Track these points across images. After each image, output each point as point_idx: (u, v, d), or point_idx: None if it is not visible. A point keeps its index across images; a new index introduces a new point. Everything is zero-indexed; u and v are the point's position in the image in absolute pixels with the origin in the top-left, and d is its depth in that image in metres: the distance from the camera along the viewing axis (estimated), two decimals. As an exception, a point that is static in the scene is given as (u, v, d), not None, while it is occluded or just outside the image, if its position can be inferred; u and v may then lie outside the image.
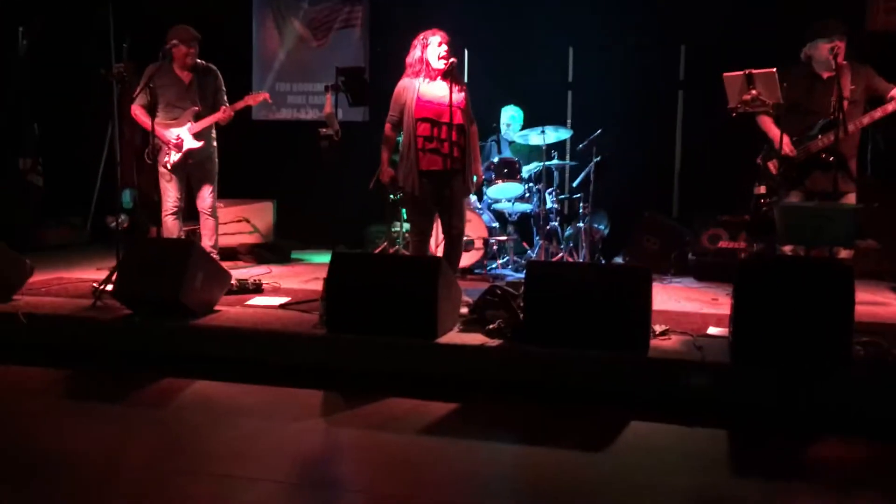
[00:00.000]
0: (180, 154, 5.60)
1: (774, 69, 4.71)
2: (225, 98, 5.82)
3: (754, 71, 4.72)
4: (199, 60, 5.70)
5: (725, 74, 4.85)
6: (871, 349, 3.69)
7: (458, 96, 4.81)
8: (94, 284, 4.94)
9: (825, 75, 4.88)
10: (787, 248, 4.90)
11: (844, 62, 4.91)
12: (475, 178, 5.07)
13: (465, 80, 7.59)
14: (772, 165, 5.07)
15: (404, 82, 4.93)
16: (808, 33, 4.99)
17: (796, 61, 5.12)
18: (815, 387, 3.49)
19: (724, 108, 4.91)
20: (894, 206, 5.55)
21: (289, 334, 4.24)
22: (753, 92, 4.72)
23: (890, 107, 4.77)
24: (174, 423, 3.50)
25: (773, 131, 5.01)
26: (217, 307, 4.68)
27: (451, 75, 4.80)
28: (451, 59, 4.81)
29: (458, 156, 4.82)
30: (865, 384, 3.49)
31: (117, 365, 4.26)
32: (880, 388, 3.47)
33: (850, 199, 4.94)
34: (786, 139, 4.92)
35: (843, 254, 4.76)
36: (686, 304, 5.24)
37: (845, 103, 4.76)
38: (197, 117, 5.64)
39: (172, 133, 5.58)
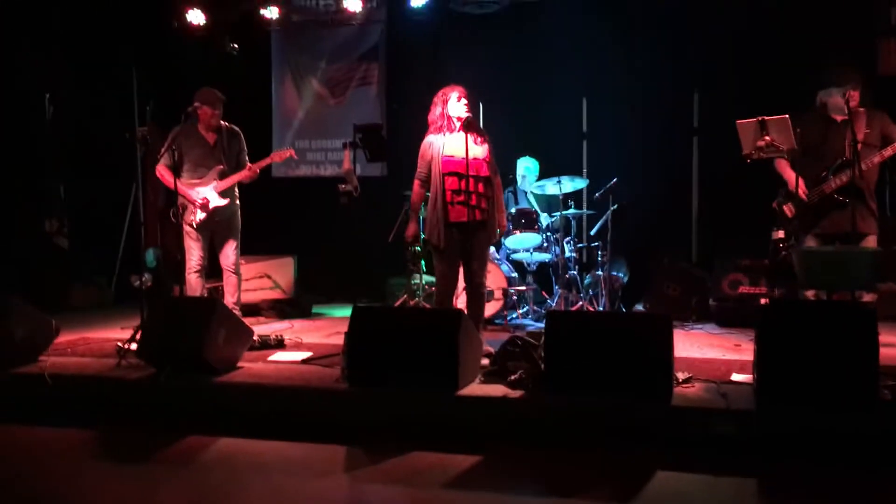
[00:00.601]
0: (206, 213, 5.70)
1: (787, 115, 4.75)
2: (247, 159, 5.95)
3: (767, 118, 4.77)
4: (222, 122, 5.84)
5: (739, 122, 4.90)
6: (898, 392, 3.64)
7: (482, 149, 4.93)
8: (119, 343, 4.99)
9: (839, 119, 4.92)
10: (810, 293, 4.88)
11: (861, 108, 4.95)
12: (499, 229, 5.13)
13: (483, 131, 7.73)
14: (787, 209, 5.08)
15: (429, 139, 5.02)
16: (822, 80, 5.04)
17: (809, 107, 5.16)
18: (842, 431, 3.45)
19: (739, 154, 4.95)
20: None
21: (311, 389, 4.25)
22: (767, 138, 4.76)
23: None
24: (198, 481, 3.50)
25: (790, 173, 5.04)
26: (240, 363, 4.70)
27: (473, 128, 4.91)
28: (467, 114, 4.90)
29: (485, 207, 4.92)
30: (893, 427, 3.43)
31: (142, 423, 4.27)
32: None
33: (871, 241, 4.92)
34: (800, 182, 4.94)
35: (867, 297, 4.73)
36: (708, 351, 5.21)
37: (859, 145, 4.78)
38: (222, 176, 5.76)
39: (199, 193, 5.69)
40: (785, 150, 4.81)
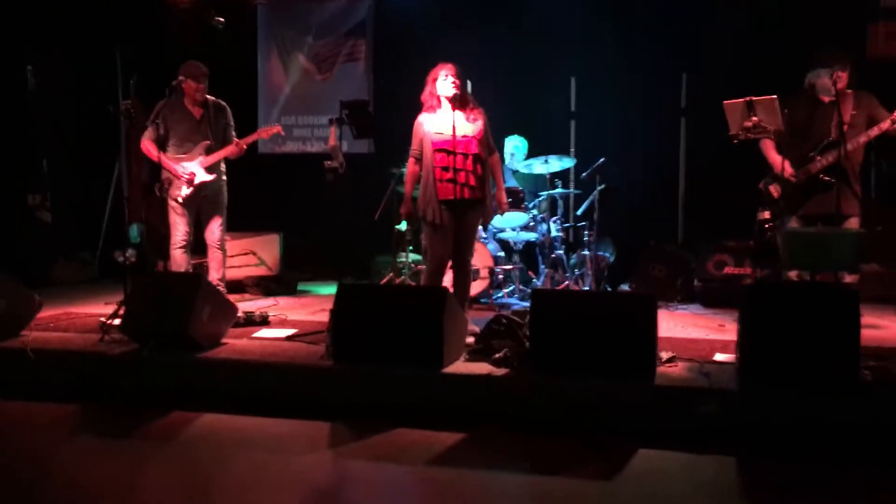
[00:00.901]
0: (192, 188, 5.65)
1: (775, 96, 4.75)
2: (234, 134, 5.90)
3: (755, 98, 4.77)
4: (209, 96, 5.79)
5: (726, 102, 4.90)
6: (879, 373, 3.68)
7: (473, 126, 4.89)
8: (102, 319, 4.96)
9: (826, 100, 4.92)
10: (793, 274, 4.90)
11: (849, 90, 4.95)
12: (499, 205, 5.09)
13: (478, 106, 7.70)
14: (773, 190, 5.10)
15: (422, 117, 4.99)
16: (811, 62, 5.04)
17: (797, 88, 5.16)
18: (822, 411, 3.48)
19: (726, 135, 4.95)
20: (897, 229, 5.57)
21: (296, 366, 4.25)
22: (754, 119, 4.76)
23: (885, 125, 4.80)
24: (182, 457, 3.50)
25: (774, 156, 5.05)
26: (224, 340, 4.70)
27: (461, 104, 4.87)
28: (455, 92, 4.85)
29: (475, 185, 4.86)
30: (873, 408, 3.47)
31: (125, 399, 4.26)
32: (888, 411, 3.46)
33: (854, 222, 4.95)
34: (787, 163, 4.95)
35: (849, 278, 4.76)
36: (692, 331, 5.24)
37: (845, 126, 4.79)
38: (208, 151, 5.71)
39: (185, 168, 5.64)
40: (772, 131, 4.81)
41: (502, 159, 6.93)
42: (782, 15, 6.77)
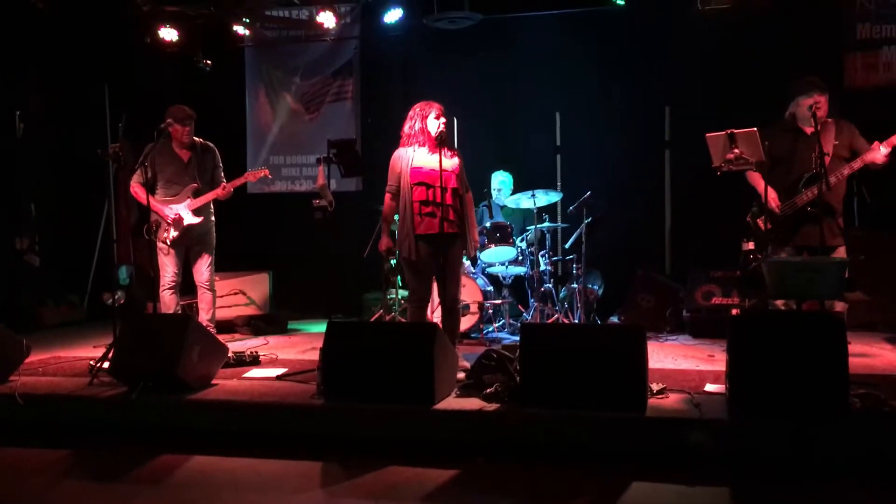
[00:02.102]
0: (179, 230, 5.67)
1: (756, 129, 4.83)
2: (222, 175, 5.94)
3: (736, 131, 4.85)
4: (196, 138, 5.83)
5: (708, 135, 4.97)
6: (868, 400, 3.69)
7: (453, 162, 4.94)
8: (91, 362, 4.94)
9: (808, 131, 4.98)
10: (780, 303, 4.94)
11: (829, 119, 5.03)
12: (473, 243, 5.13)
13: (455, 146, 7.75)
14: (760, 222, 5.15)
15: (399, 152, 5.03)
16: (790, 91, 5.12)
17: (777, 119, 5.24)
18: (813, 439, 3.49)
19: (710, 167, 5.02)
20: (882, 257, 5.62)
21: (286, 406, 4.23)
22: (736, 151, 4.83)
23: (868, 156, 4.87)
24: (173, 500, 3.46)
25: (761, 187, 5.10)
26: (214, 381, 4.67)
27: (446, 144, 4.93)
28: (441, 129, 4.92)
29: (454, 219, 4.90)
30: (863, 435, 3.49)
31: (115, 442, 4.23)
32: (878, 439, 3.47)
33: (840, 252, 5.00)
34: (773, 194, 5.01)
35: (838, 307, 4.80)
36: (682, 362, 5.25)
37: (827, 158, 4.86)
38: (196, 194, 5.74)
39: (171, 210, 5.67)
40: (753, 163, 4.88)
41: (489, 195, 7.03)
42: (761, 47, 6.89)
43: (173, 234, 5.66)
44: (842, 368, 3.56)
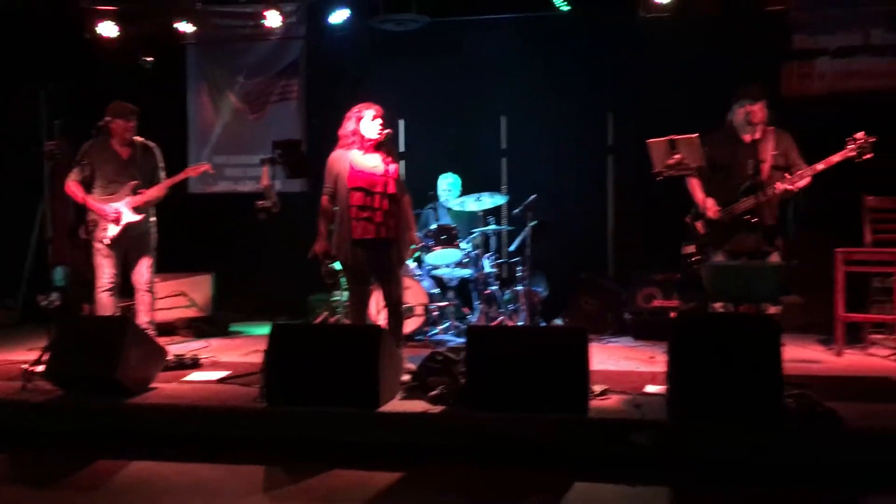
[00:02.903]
0: (119, 229, 5.55)
1: (696, 135, 4.93)
2: (163, 175, 5.82)
3: (676, 137, 4.94)
4: (137, 137, 5.71)
5: (649, 141, 5.06)
6: (802, 401, 3.80)
7: (392, 167, 4.90)
8: (25, 366, 4.79)
9: (747, 139, 5.09)
10: (718, 306, 5.05)
11: (770, 127, 5.16)
12: (412, 245, 5.13)
13: (402, 149, 7.76)
14: (699, 225, 5.26)
15: (337, 153, 4.97)
16: (730, 100, 5.24)
17: (718, 126, 5.36)
18: (749, 439, 3.58)
19: (652, 172, 5.11)
20: (816, 262, 5.80)
21: (228, 409, 4.17)
22: (677, 156, 4.93)
23: (801, 183, 4.99)
24: (109, 507, 3.40)
25: (699, 194, 5.21)
26: (153, 384, 4.58)
27: (384, 147, 4.90)
28: (387, 131, 4.91)
29: (392, 225, 4.86)
30: (796, 434, 3.59)
31: (50, 448, 4.11)
32: (811, 439, 3.58)
33: (775, 257, 5.13)
34: (711, 202, 5.12)
35: (773, 309, 4.93)
36: (624, 364, 5.34)
37: (767, 167, 5.00)
38: (136, 192, 5.62)
39: (111, 207, 5.54)
40: (694, 168, 4.99)
41: (435, 197, 7.04)
42: (703, 55, 7.03)
43: (112, 232, 5.53)
44: (777, 370, 3.66)
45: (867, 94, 6.93)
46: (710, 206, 5.13)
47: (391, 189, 4.86)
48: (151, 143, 5.82)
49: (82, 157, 5.37)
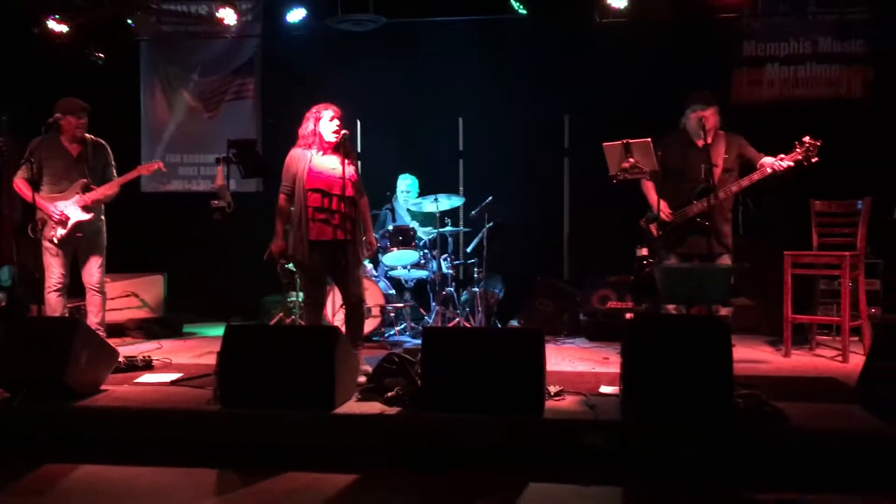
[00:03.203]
0: (66, 228, 5.42)
1: (650, 139, 5.01)
2: (114, 172, 5.72)
3: (631, 141, 5.01)
4: (87, 134, 5.60)
5: (605, 144, 5.13)
6: (750, 400, 3.87)
7: (350, 169, 4.89)
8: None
9: (699, 143, 5.19)
10: (671, 307, 5.13)
11: (720, 131, 5.27)
12: (370, 245, 5.13)
13: (359, 149, 7.74)
14: (653, 228, 5.34)
15: (296, 152, 4.96)
16: (683, 105, 5.34)
17: (671, 130, 5.45)
18: (699, 439, 3.64)
19: (606, 175, 5.17)
20: (765, 265, 5.92)
21: (180, 411, 4.11)
22: (631, 160, 5.00)
23: (756, 175, 5.14)
24: (57, 512, 3.32)
25: (653, 197, 5.30)
26: (104, 386, 4.49)
27: (342, 148, 4.89)
28: (343, 132, 4.89)
29: (349, 227, 4.85)
30: (745, 434, 3.66)
31: (-6, 452, 4.02)
32: (759, 437, 3.65)
33: (726, 259, 5.24)
34: (664, 205, 5.21)
35: (724, 311, 5.03)
36: (579, 365, 5.39)
37: (719, 171, 5.10)
38: (85, 189, 5.50)
39: (58, 206, 5.41)
40: (647, 172, 5.07)
41: (392, 198, 7.04)
42: (657, 60, 7.14)
43: (60, 232, 5.41)
44: (727, 370, 3.73)
45: (814, 102, 7.11)
46: (664, 209, 5.21)
47: (349, 192, 4.85)
48: (102, 141, 5.71)
49: (30, 154, 5.25)
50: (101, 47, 7.57)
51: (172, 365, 5.31)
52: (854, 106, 7.06)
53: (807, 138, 5.04)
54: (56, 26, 7.29)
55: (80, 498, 3.46)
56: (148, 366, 5.16)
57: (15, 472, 3.71)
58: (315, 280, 4.96)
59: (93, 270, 5.63)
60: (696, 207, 5.17)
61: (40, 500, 3.45)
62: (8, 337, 4.48)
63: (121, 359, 4.88)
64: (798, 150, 5.04)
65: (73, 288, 5.72)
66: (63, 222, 5.40)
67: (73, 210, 5.44)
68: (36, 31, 7.32)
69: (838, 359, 5.49)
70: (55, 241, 5.43)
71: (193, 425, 4.06)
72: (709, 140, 5.03)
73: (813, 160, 5.02)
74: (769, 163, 5.10)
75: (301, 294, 6.40)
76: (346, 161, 4.88)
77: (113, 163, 5.74)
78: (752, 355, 5.67)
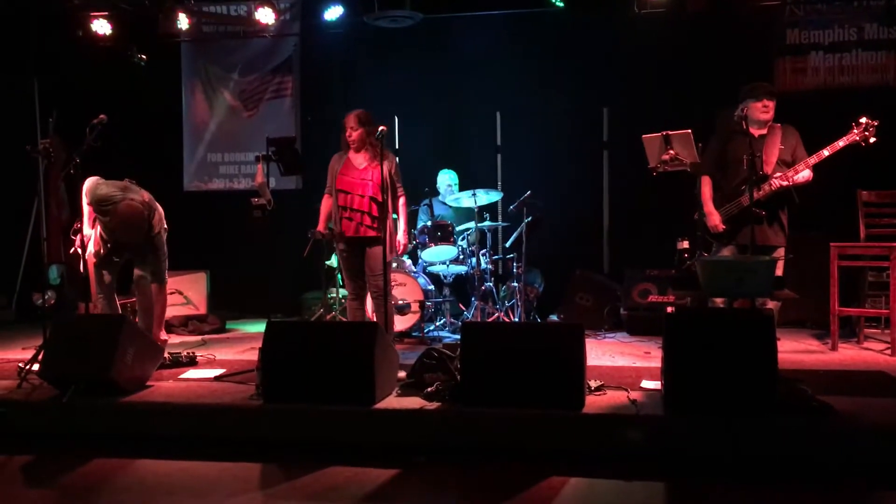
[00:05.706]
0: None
1: (689, 130, 4.94)
2: None
3: (671, 132, 4.95)
4: None
5: (644, 136, 5.07)
6: (796, 395, 3.81)
7: (374, 170, 5.21)
8: (20, 364, 4.78)
9: (756, 134, 5.10)
10: (720, 301, 5.05)
11: (777, 124, 5.17)
12: (399, 244, 5.40)
13: (396, 145, 7.76)
14: (714, 219, 5.24)
15: (336, 156, 5.41)
16: (740, 94, 5.22)
17: (711, 120, 5.36)
18: (744, 433, 3.59)
19: (646, 167, 5.11)
20: (811, 257, 5.80)
21: (224, 407, 4.17)
22: (671, 152, 4.94)
23: (800, 178, 5.02)
24: (106, 506, 3.39)
25: (707, 197, 5.21)
26: (149, 382, 4.58)
27: (371, 148, 5.24)
28: (381, 128, 4.93)
29: (371, 224, 5.22)
30: (790, 428, 3.60)
31: (45, 448, 4.10)
32: (804, 432, 3.59)
33: (781, 252, 5.13)
34: (717, 216, 5.10)
35: (771, 304, 4.94)
36: (619, 359, 5.35)
37: (774, 161, 5.00)
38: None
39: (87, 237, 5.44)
40: (688, 164, 4.99)
41: (430, 193, 7.04)
42: (696, 50, 7.04)
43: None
44: (770, 364, 3.67)
45: (860, 89, 6.95)
46: (715, 219, 5.12)
47: (369, 192, 5.21)
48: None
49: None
50: (143, 48, 7.69)
51: (216, 361, 5.39)
52: (901, 93, 6.88)
53: (864, 118, 4.91)
54: (99, 28, 7.43)
55: (129, 492, 3.53)
56: (192, 362, 5.24)
57: (65, 468, 3.80)
58: (350, 273, 5.38)
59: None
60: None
61: (92, 494, 3.52)
62: (57, 335, 4.59)
63: (166, 355, 4.96)
64: (855, 130, 4.91)
65: (124, 285, 5.80)
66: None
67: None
68: (80, 32, 7.47)
69: (887, 352, 5.37)
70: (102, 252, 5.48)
71: (237, 420, 4.11)
72: (764, 131, 4.96)
73: (871, 140, 4.89)
74: (796, 177, 5.02)
75: (342, 291, 6.46)
76: (374, 161, 5.19)
77: None
78: (798, 349, 5.57)
